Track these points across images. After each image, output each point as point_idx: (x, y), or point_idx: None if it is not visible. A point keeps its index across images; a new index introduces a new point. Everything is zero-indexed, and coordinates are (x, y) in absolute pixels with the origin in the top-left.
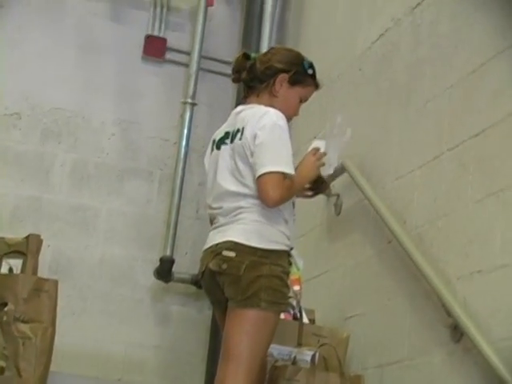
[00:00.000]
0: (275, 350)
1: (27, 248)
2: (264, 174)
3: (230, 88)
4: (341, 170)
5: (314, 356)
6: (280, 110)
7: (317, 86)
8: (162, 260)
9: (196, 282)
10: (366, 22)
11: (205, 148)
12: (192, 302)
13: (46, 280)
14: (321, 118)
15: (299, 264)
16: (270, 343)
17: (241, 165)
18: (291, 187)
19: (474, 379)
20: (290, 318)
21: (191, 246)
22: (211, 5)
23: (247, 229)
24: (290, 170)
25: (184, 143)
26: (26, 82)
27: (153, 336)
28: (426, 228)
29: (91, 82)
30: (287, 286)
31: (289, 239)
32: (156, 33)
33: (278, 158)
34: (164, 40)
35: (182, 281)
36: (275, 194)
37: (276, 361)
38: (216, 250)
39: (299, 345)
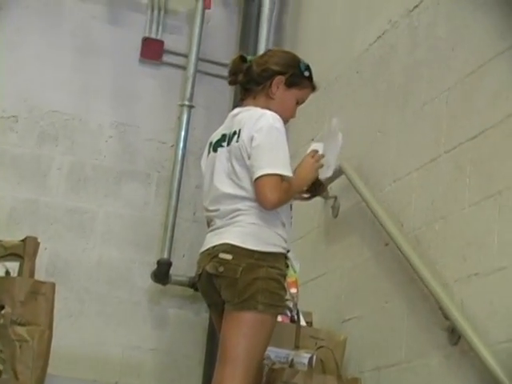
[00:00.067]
0: (272, 352)
1: (24, 251)
2: (261, 176)
3: (227, 90)
4: (338, 173)
5: (311, 358)
6: (277, 112)
7: (313, 88)
8: (159, 262)
9: (193, 284)
10: (364, 24)
11: (202, 150)
12: (189, 305)
13: (43, 283)
14: (318, 120)
15: (296, 266)
16: (267, 346)
17: (238, 167)
18: (289, 189)
19: (471, 382)
20: (287, 320)
21: (188, 249)
22: (208, 7)
23: (244, 231)
24: (287, 172)
25: (181, 145)
26: (24, 85)
27: (150, 338)
28: (424, 230)
29: (88, 85)
30: (284, 289)
31: (286, 242)
32: (153, 35)
33: (276, 161)
34: (161, 42)
35: (180, 283)
36: (273, 196)
37: (273, 363)
38: (213, 253)
39: (296, 347)
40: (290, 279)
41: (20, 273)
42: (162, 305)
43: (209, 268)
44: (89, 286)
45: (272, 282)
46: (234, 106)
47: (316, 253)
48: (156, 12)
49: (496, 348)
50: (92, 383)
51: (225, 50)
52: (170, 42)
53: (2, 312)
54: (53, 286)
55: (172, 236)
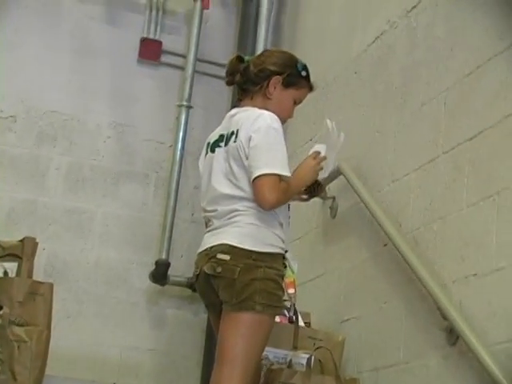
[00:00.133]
0: (271, 353)
1: (22, 251)
2: (260, 176)
3: (225, 91)
4: (336, 173)
5: (309, 359)
6: (274, 112)
7: (311, 88)
8: (157, 263)
9: (191, 285)
10: (362, 24)
11: (200, 151)
12: (187, 305)
13: (42, 283)
14: (316, 120)
15: (294, 267)
16: (264, 346)
17: (235, 167)
18: (288, 190)
19: (469, 382)
20: (285, 321)
21: (187, 249)
22: (207, 8)
23: (242, 232)
24: (285, 172)
25: (179, 146)
26: (22, 85)
27: (148, 339)
28: (422, 231)
29: (87, 85)
30: (282, 289)
31: (284, 242)
32: (151, 36)
33: (274, 161)
34: (159, 43)
35: (178, 284)
36: (271, 196)
37: (272, 364)
38: (210, 253)
39: (295, 348)
40: (287, 280)
41: (18, 273)
42: (160, 305)
43: (206, 268)
44: (87, 286)
45: (270, 282)
46: (233, 107)
47: (314, 253)
48: (154, 12)
49: (494, 348)
50: None
51: (223, 50)
52: (168, 42)
53: (0, 312)
54: (51, 286)
55: (170, 236)
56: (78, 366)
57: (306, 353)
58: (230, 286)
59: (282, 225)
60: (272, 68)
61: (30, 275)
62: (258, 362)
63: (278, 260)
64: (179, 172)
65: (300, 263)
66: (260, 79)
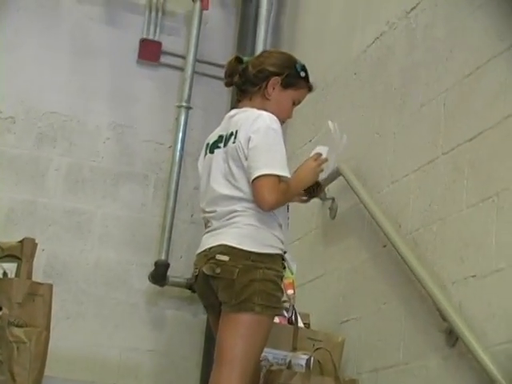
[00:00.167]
0: (270, 354)
1: (22, 252)
2: (259, 176)
3: (224, 92)
4: (336, 174)
5: (308, 360)
6: (273, 113)
7: (310, 89)
8: (156, 264)
9: (191, 286)
10: (361, 25)
11: (200, 152)
12: (187, 306)
13: (41, 284)
14: (315, 121)
15: (293, 268)
16: (263, 347)
17: (234, 168)
18: (287, 191)
19: (468, 383)
20: (285, 322)
21: (186, 250)
22: (206, 9)
23: (241, 233)
24: (285, 172)
25: (179, 147)
26: (21, 86)
27: (147, 340)
28: (421, 232)
29: (86, 86)
30: (281, 290)
31: (283, 243)
32: (151, 36)
33: (273, 161)
34: (159, 44)
35: (177, 285)
36: (271, 197)
37: (271, 365)
38: (209, 254)
39: (294, 349)
40: (286, 281)
41: (17, 274)
42: (159, 306)
43: (205, 269)
44: (86, 287)
45: (269, 283)
46: (232, 107)
47: (314, 254)
48: (154, 13)
49: (494, 350)
50: None
51: (222, 51)
52: (168, 43)
53: (0, 313)
54: (50, 287)
55: (169, 237)
56: (77, 366)
57: (305, 354)
58: (229, 286)
59: (281, 226)
60: (271, 69)
61: (29, 276)
62: (257, 362)
63: (277, 261)
64: (178, 173)
65: (299, 264)
66: (259, 80)
